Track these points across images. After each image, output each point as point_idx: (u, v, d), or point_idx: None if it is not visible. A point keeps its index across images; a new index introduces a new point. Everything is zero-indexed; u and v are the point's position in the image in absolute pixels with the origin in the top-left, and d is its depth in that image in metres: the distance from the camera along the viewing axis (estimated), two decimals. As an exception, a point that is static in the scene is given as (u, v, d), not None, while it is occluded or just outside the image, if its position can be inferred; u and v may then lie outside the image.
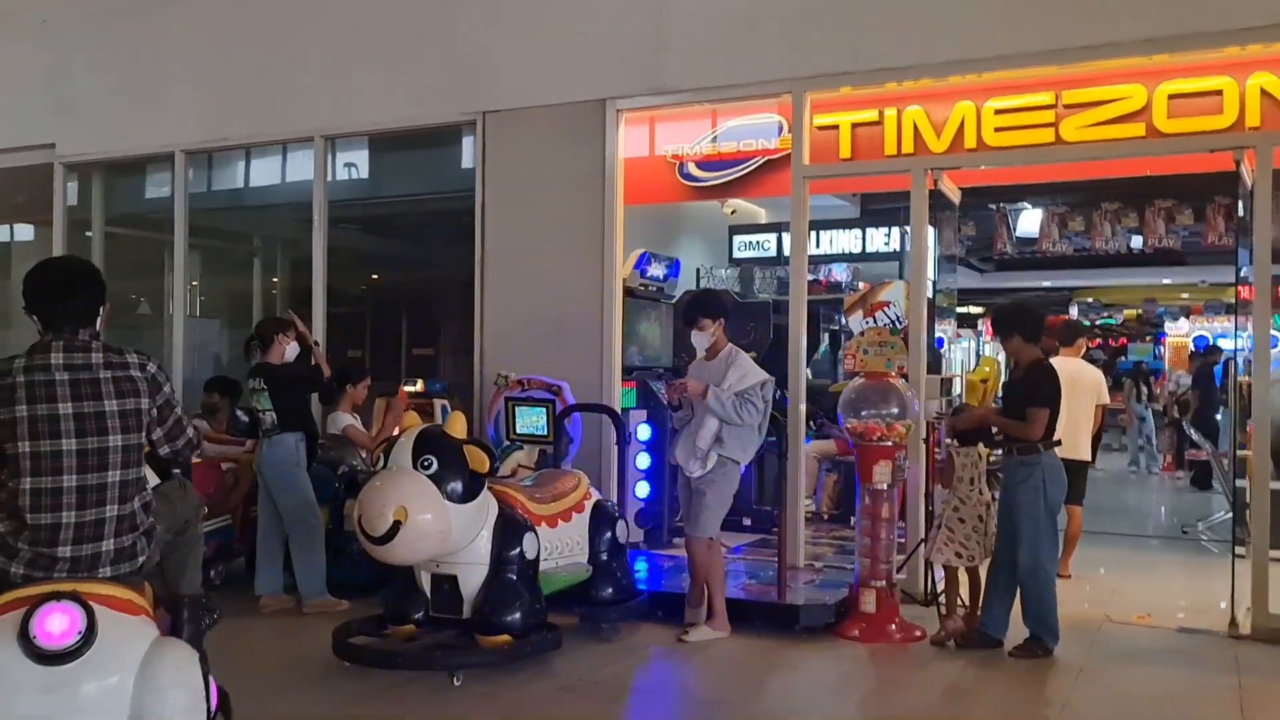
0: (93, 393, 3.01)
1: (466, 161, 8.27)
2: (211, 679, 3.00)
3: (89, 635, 2.69)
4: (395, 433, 5.49)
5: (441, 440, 4.80)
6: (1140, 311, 19.87)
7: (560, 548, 5.31)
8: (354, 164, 8.94)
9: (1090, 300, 19.97)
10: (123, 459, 3.03)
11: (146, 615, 2.91)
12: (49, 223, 12.29)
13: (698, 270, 9.47)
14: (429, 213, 9.51)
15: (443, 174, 8.82)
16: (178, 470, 4.05)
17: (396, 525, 4.55)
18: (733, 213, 9.34)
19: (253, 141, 8.71)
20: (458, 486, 4.70)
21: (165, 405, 3.18)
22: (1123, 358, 19.80)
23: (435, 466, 4.68)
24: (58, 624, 2.69)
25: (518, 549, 4.93)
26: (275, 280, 11.14)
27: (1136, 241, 10.28)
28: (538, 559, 5.04)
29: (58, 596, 2.73)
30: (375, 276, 11.98)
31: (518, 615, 4.84)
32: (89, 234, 9.74)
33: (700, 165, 7.27)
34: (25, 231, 13.61)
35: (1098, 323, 20.97)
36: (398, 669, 4.74)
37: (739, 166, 7.18)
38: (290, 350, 6.26)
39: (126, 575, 2.99)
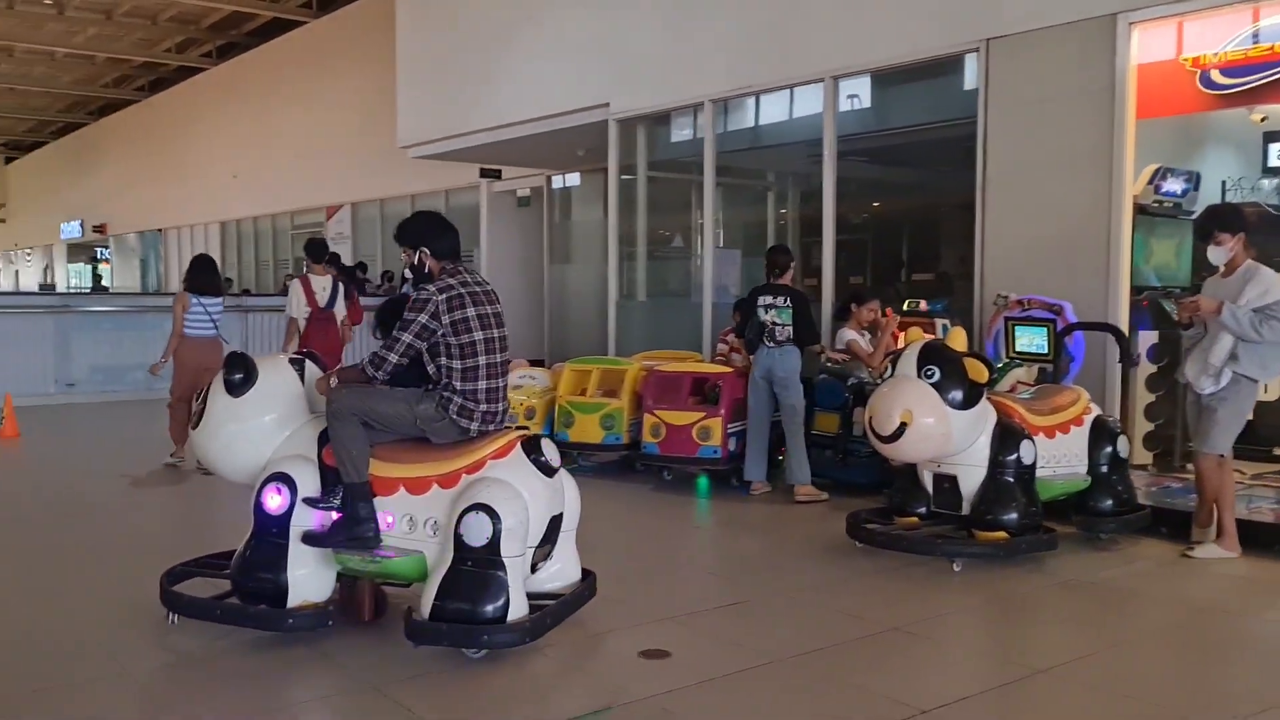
0: (491, 299, 4.31)
1: (966, 87, 8.48)
2: None
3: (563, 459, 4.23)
4: (898, 346, 6.07)
5: (944, 352, 5.30)
6: None
7: (1058, 457, 5.58)
8: (856, 95, 9.48)
9: None
10: (508, 346, 4.36)
11: None
12: (596, 170, 14.42)
13: (1223, 182, 8.80)
14: (928, 141, 9.79)
15: (941, 102, 9.06)
16: None
17: (902, 426, 5.15)
18: (1263, 120, 8.51)
19: (769, 87, 9.61)
20: (958, 395, 5.17)
21: None
22: None
23: (938, 376, 5.19)
24: (554, 451, 4.16)
25: (1015, 454, 5.29)
26: (783, 212, 12.13)
27: None
28: (1034, 465, 5.36)
29: (539, 437, 4.17)
30: (876, 205, 12.53)
31: (1014, 515, 5.23)
32: (625, 178, 11.33)
33: (1224, 71, 6.84)
34: (573, 179, 16.11)
35: None
36: (902, 551, 5.36)
37: (1274, 69, 6.65)
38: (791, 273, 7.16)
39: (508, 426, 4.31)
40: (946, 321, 7.43)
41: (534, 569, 4.12)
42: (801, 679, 3.82)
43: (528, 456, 4.05)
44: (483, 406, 4.13)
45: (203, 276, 8.19)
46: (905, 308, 7.83)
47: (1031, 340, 6.97)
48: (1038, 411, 5.64)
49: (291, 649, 4.06)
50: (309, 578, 4.10)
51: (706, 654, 4.06)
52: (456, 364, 4.13)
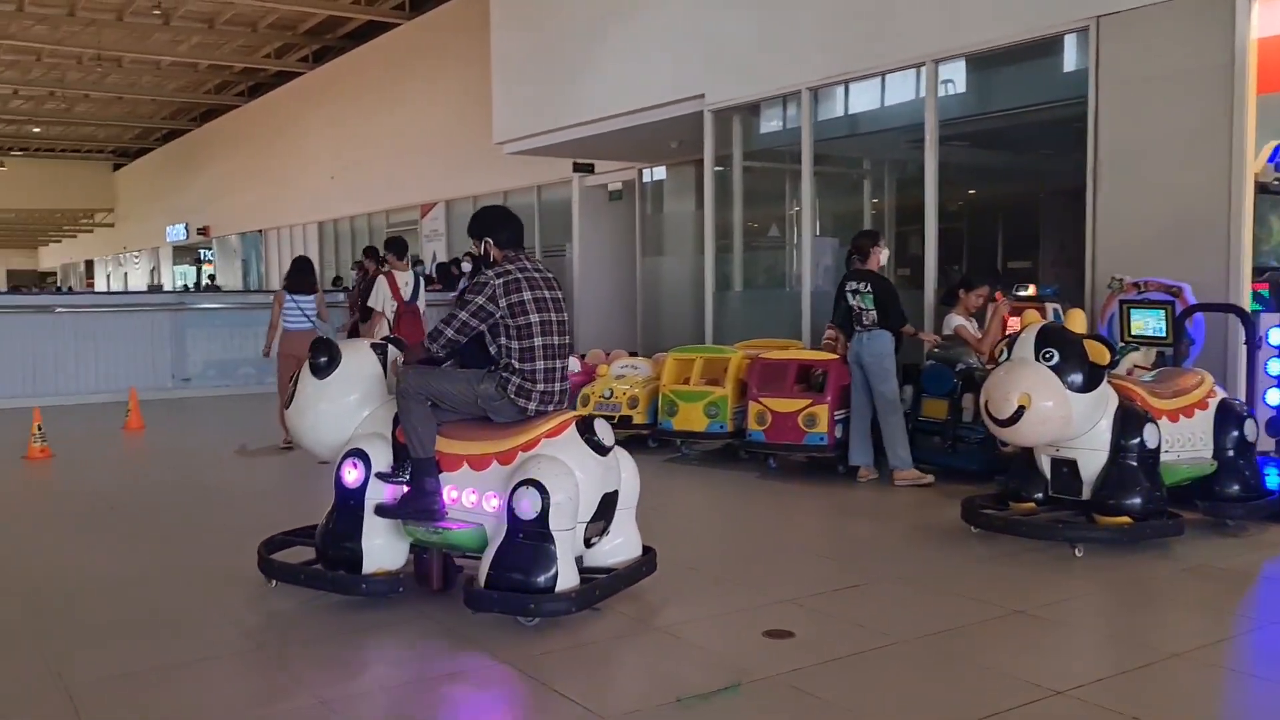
0: (550, 284, 4.52)
1: (1070, 67, 8.31)
2: None
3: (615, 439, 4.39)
4: (1009, 331, 5.98)
5: (1062, 335, 5.21)
6: None
7: (1181, 441, 5.46)
8: (951, 80, 9.33)
9: None
10: (567, 330, 4.55)
11: None
12: (687, 163, 14.43)
13: (1349, 159, 8.46)
14: (1025, 124, 9.60)
15: (1045, 83, 8.89)
16: None
17: (1020, 410, 5.08)
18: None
19: (869, 73, 9.52)
20: (1078, 377, 5.08)
21: None
22: None
23: (1056, 358, 5.11)
24: (607, 431, 4.34)
25: (1138, 438, 5.18)
26: (874, 202, 11.99)
27: None
28: (1158, 449, 5.24)
29: (594, 418, 4.36)
30: (972, 192, 12.31)
31: (1137, 499, 5.13)
32: (718, 169, 11.31)
33: (1352, 41, 6.59)
34: (660, 172, 16.16)
35: None
36: (1021, 536, 5.29)
37: (1405, 37, 6.39)
38: (883, 257, 7.10)
39: (566, 408, 4.48)
40: (1058, 306, 7.29)
41: (589, 544, 4.30)
42: (929, 659, 3.82)
43: (581, 435, 4.23)
44: (540, 386, 4.33)
45: (296, 277, 9.10)
46: (1015, 292, 7.70)
47: (1149, 323, 6.80)
48: (1161, 395, 5.52)
49: (414, 624, 4.20)
50: (383, 547, 4.40)
51: (829, 634, 4.07)
52: (515, 345, 4.36)
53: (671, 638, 4.06)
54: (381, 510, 4.37)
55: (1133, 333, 6.88)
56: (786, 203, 11.60)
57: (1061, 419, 5.11)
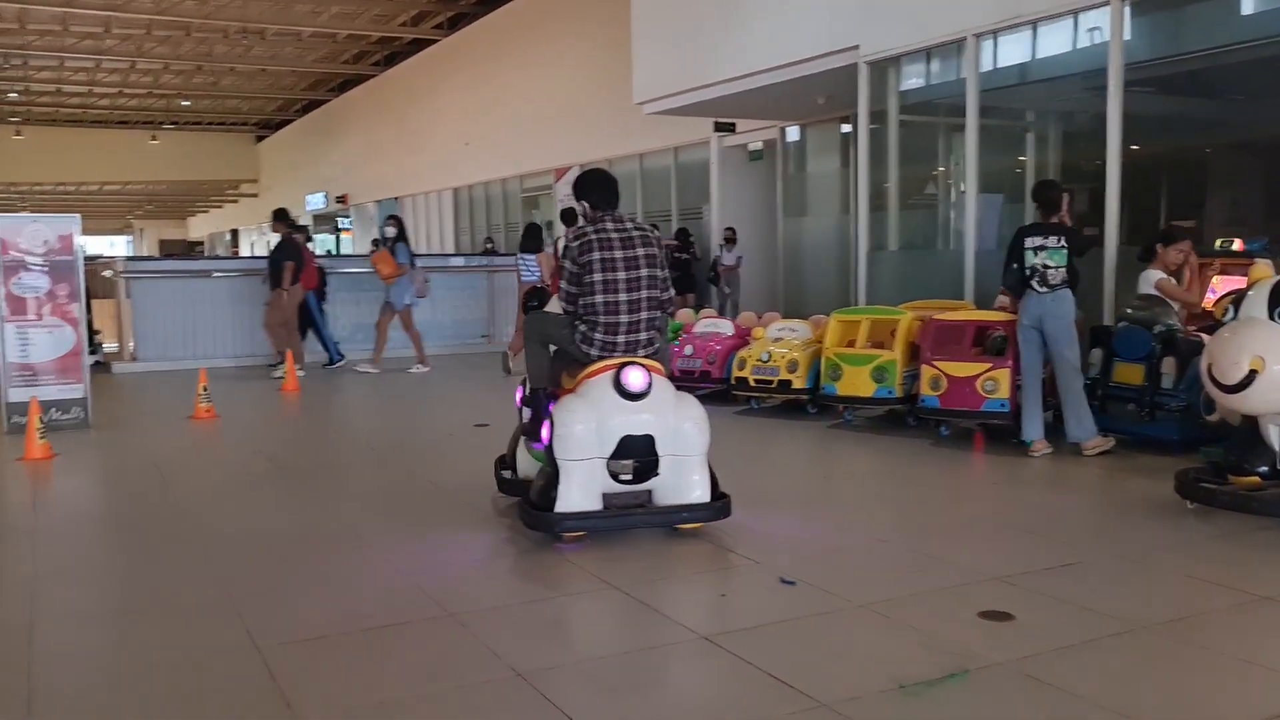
0: (629, 244, 4.75)
1: (1245, 9, 7.62)
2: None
3: (651, 383, 4.57)
4: (1219, 292, 5.43)
5: (1302, 291, 4.69)
6: None
7: None
8: (1098, 28, 8.62)
9: None
10: (646, 285, 4.74)
11: (665, 377, 4.80)
12: (830, 120, 13.88)
13: None
14: (1210, 68, 8.84)
15: (1233, 22, 8.16)
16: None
17: (1252, 374, 4.60)
18: None
19: (1044, 15, 8.88)
20: (1319, 339, 4.57)
21: (661, 260, 4.87)
22: None
23: (1295, 317, 4.60)
24: (638, 377, 4.55)
25: (1388, 407, 4.64)
26: (1022, 159, 11.27)
27: None
28: None
29: (631, 363, 4.59)
30: (1135, 147, 11.46)
31: (1388, 476, 4.60)
32: (872, 126, 10.78)
33: None
34: (795, 132, 15.63)
35: None
36: (1249, 513, 4.81)
37: None
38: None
39: (650, 356, 4.74)
40: (1268, 262, 6.64)
41: (617, 478, 4.56)
42: (1176, 650, 3.43)
43: (613, 383, 4.55)
44: (599, 336, 4.72)
45: (525, 240, 11.31)
46: (1217, 247, 7.08)
47: (1379, 281, 6.11)
48: None
49: (603, 594, 4.02)
50: (530, 461, 5.12)
51: (1054, 618, 3.72)
52: (584, 299, 4.75)
53: (878, 616, 3.77)
54: (522, 429, 5.20)
55: (1360, 291, 6.21)
56: (943, 158, 11.03)
57: (1300, 385, 4.59)
